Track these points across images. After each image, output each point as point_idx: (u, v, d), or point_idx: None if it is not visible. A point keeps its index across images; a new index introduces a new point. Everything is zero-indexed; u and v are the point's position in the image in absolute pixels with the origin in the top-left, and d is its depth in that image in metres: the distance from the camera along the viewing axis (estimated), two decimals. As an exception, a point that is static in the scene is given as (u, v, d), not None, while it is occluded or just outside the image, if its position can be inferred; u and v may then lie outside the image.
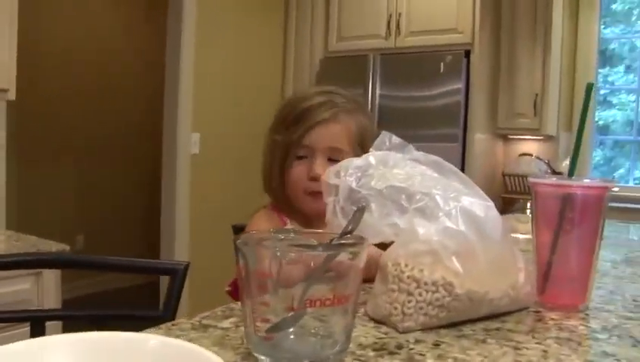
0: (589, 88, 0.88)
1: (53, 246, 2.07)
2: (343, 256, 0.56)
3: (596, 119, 4.52)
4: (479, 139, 3.87)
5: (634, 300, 0.94)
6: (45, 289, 1.99)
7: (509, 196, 4.13)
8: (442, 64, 3.73)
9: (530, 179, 0.86)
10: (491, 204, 0.79)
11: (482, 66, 3.84)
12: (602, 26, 4.48)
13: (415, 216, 0.73)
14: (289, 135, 1.31)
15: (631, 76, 4.47)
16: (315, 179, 1.26)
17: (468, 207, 0.74)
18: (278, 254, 0.55)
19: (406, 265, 0.72)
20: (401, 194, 0.75)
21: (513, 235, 1.87)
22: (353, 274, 0.58)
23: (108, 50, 5.10)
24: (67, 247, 2.10)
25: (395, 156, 0.87)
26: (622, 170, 4.50)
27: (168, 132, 3.93)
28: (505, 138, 4.41)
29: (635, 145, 4.46)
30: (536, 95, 3.96)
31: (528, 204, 3.66)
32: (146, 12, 5.25)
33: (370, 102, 3.98)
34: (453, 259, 0.71)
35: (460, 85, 3.72)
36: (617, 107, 4.52)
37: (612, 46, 4.53)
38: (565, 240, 0.83)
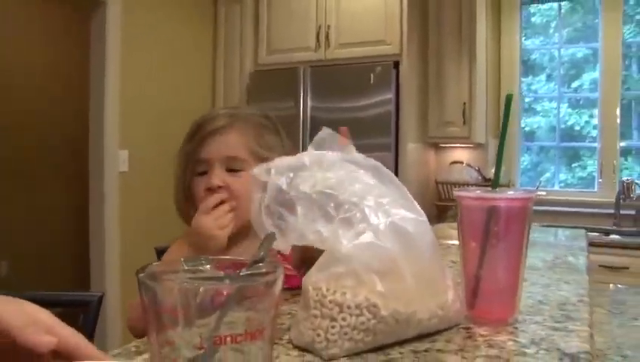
0: (509, 99, 0.87)
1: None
2: (256, 285, 0.52)
3: (522, 125, 4.63)
4: (411, 148, 3.90)
5: (560, 309, 0.93)
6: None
7: (442, 203, 4.18)
8: (372, 75, 3.75)
9: (456, 193, 0.84)
10: (424, 218, 0.77)
11: (411, 77, 3.88)
12: (524, 38, 4.61)
13: (341, 226, 0.69)
14: (188, 148, 1.28)
15: (552, 84, 4.61)
16: (212, 190, 1.22)
17: (397, 221, 0.71)
18: (184, 288, 0.50)
19: (327, 289, 0.69)
20: (330, 201, 0.71)
21: (446, 242, 1.88)
22: (268, 304, 0.54)
23: (30, 64, 4.92)
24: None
25: (331, 157, 0.82)
26: (548, 174, 4.62)
27: (95, 149, 3.80)
28: (436, 146, 4.47)
29: (559, 150, 4.59)
30: (465, 104, 4.03)
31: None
32: (68, 24, 5.09)
33: (301, 114, 3.97)
34: (376, 279, 0.68)
35: (390, 95, 3.75)
36: (541, 114, 4.65)
37: (534, 56, 4.67)
38: (492, 254, 0.82)
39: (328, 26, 4.01)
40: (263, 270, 0.54)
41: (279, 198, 0.72)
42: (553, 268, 1.33)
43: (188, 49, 4.34)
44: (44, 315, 0.57)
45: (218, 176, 1.23)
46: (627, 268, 3.47)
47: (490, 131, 4.43)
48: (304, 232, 0.70)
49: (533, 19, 4.68)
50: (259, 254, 0.56)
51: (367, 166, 0.81)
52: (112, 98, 3.77)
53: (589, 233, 3.93)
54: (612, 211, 4.11)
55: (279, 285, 0.55)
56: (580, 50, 4.53)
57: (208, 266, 0.61)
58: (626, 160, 4.43)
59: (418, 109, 4.05)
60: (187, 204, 1.30)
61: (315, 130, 4.11)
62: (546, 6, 4.61)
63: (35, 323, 0.55)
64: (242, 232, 1.25)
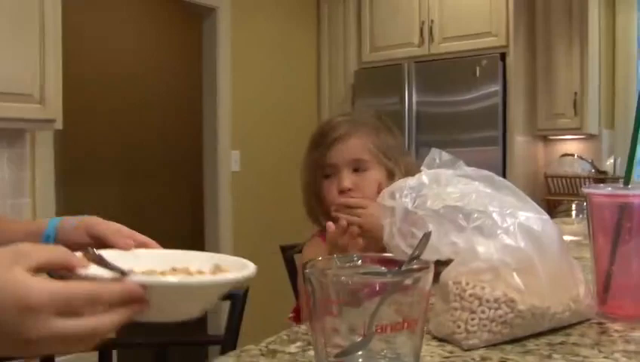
0: (642, 95, 0.87)
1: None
2: (410, 281, 0.58)
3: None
4: (519, 141, 3.84)
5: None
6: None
7: (552, 198, 4.07)
8: (478, 68, 3.72)
9: (585, 190, 0.85)
10: (547, 217, 0.80)
11: (518, 68, 3.81)
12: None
13: (474, 234, 0.74)
14: (314, 155, 1.42)
15: None
16: (344, 191, 1.35)
17: (525, 222, 0.75)
18: (354, 281, 0.56)
19: (467, 283, 0.73)
20: (458, 213, 0.76)
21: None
22: (419, 298, 0.59)
23: (146, 72, 5.21)
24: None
25: (446, 173, 0.88)
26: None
27: (209, 150, 3.99)
28: (545, 139, 4.35)
29: None
30: (575, 94, 3.91)
31: (573, 206, 3.62)
32: (181, 31, 5.34)
33: (407, 109, 3.99)
34: (514, 275, 0.71)
35: (497, 88, 3.71)
36: None
37: None
38: (624, 250, 0.83)
39: (432, 21, 4.01)
40: (418, 266, 0.59)
41: (409, 219, 0.78)
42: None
43: (293, 49, 4.45)
44: None
45: (348, 178, 1.36)
46: None
47: (603, 121, 4.27)
48: (438, 246, 0.75)
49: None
50: (415, 252, 0.61)
51: (480, 177, 0.86)
52: (224, 100, 3.93)
53: None
54: None
55: (430, 280, 0.60)
56: None
57: (360, 262, 0.67)
58: None
59: (526, 101, 3.97)
60: (318, 206, 1.42)
61: (420, 124, 4.11)
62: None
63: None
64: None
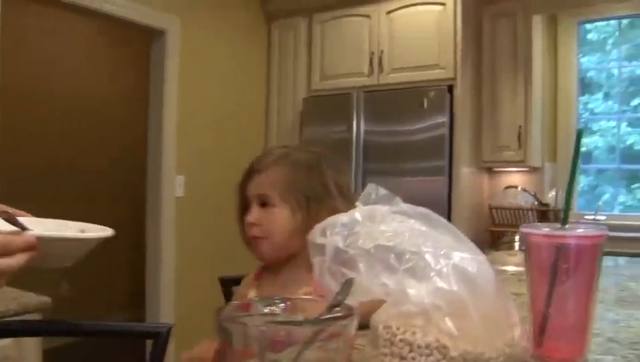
0: (580, 135, 0.87)
1: (33, 299, 2.01)
2: (333, 329, 0.53)
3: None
4: (465, 172, 3.87)
5: (632, 349, 0.91)
6: (26, 344, 1.94)
7: (496, 229, 4.11)
8: (425, 99, 3.75)
9: (523, 229, 0.83)
10: (483, 258, 0.77)
11: (465, 101, 3.86)
12: (580, 55, 4.54)
13: (405, 276, 0.70)
14: (240, 189, 1.43)
15: (609, 103, 4.51)
16: (248, 224, 1.38)
17: (459, 263, 0.72)
18: (262, 332, 0.52)
19: (398, 328, 0.70)
20: (390, 253, 0.72)
21: (503, 268, 1.85)
22: (341, 345, 0.55)
23: (93, 92, 5.11)
24: (49, 299, 2.05)
25: (381, 210, 0.84)
26: (607, 195, 4.51)
27: (153, 174, 3.90)
28: (490, 171, 4.41)
29: (619, 172, 4.48)
30: (520, 127, 3.98)
31: (516, 237, 3.66)
32: (130, 53, 5.25)
33: (355, 138, 3.98)
34: (447, 320, 0.68)
35: (444, 119, 3.73)
36: (599, 133, 4.55)
37: (590, 74, 4.58)
38: (561, 291, 0.81)
39: (381, 51, 4.04)
40: (340, 314, 0.55)
41: (339, 258, 0.74)
42: (620, 301, 1.30)
43: (243, 75, 4.42)
44: None
45: (253, 213, 1.38)
46: (693, 296, 3.34)
47: (546, 154, 4.36)
48: (370, 287, 0.71)
49: (589, 36, 4.60)
50: (337, 299, 0.57)
51: (416, 214, 0.83)
52: (169, 124, 3.86)
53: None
54: (677, 237, 3.98)
55: (354, 327, 0.56)
56: (640, 67, 4.42)
57: (282, 305, 0.63)
58: None
59: (472, 133, 4.02)
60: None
61: (368, 153, 4.13)
62: (603, 22, 4.53)
63: None
64: (282, 263, 1.38)
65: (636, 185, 4.43)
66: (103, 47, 5.25)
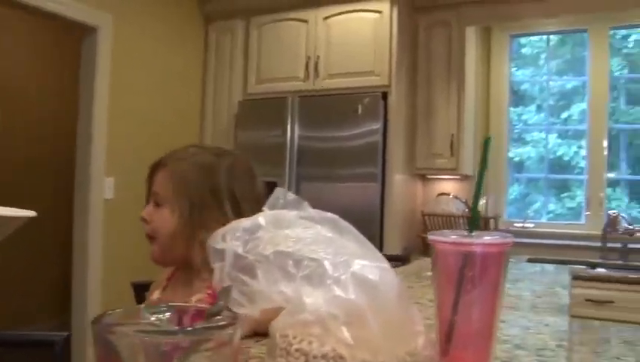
0: (487, 143, 0.86)
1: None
2: (211, 338, 0.51)
3: (512, 156, 4.66)
4: (398, 179, 3.90)
5: (537, 355, 0.92)
6: None
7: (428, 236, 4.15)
8: (360, 106, 3.76)
9: (430, 237, 0.82)
10: (387, 265, 0.75)
11: (399, 108, 3.89)
12: (514, 68, 4.66)
13: (302, 284, 0.68)
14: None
15: (542, 115, 4.65)
16: (141, 221, 1.40)
17: (359, 271, 0.70)
18: (131, 343, 0.48)
19: (294, 337, 0.67)
20: (289, 259, 0.70)
21: (429, 274, 1.86)
22: (225, 355, 0.52)
23: (21, 88, 4.92)
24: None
25: (287, 215, 0.82)
26: (538, 204, 4.64)
27: (81, 175, 3.78)
28: (424, 178, 4.47)
29: (548, 181, 4.61)
30: (452, 135, 4.04)
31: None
32: (60, 49, 5.09)
33: (289, 143, 3.96)
34: (344, 329, 0.66)
35: (377, 126, 3.76)
36: (531, 144, 4.68)
37: (524, 87, 4.71)
38: (467, 299, 0.80)
39: (318, 57, 4.04)
40: (220, 322, 0.52)
41: (238, 264, 0.71)
42: (534, 308, 1.31)
43: (178, 77, 4.35)
44: None
45: (146, 209, 1.39)
46: (612, 301, 3.45)
47: (477, 163, 4.44)
48: (269, 295, 0.69)
49: (523, 50, 4.73)
50: (216, 307, 0.54)
51: (323, 220, 0.81)
52: (99, 125, 3.76)
53: (576, 266, 3.95)
54: (599, 244, 4.11)
55: (237, 336, 0.53)
56: (570, 82, 4.57)
57: (169, 314, 0.59)
58: (614, 191, 4.46)
59: (406, 141, 4.06)
60: None
61: (302, 158, 4.12)
62: (536, 37, 4.66)
63: None
64: (180, 266, 1.39)
65: (565, 194, 4.56)
66: (33, 43, 5.07)
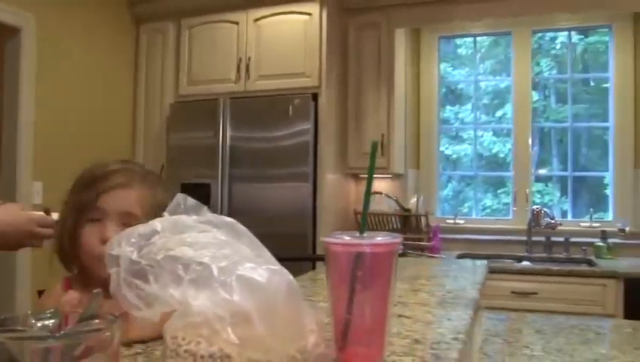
0: (374, 147, 0.91)
1: None
2: (87, 342, 0.53)
3: (450, 153, 4.79)
4: (330, 178, 3.95)
5: (432, 349, 0.96)
6: None
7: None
8: (291, 107, 3.80)
9: (323, 239, 0.86)
10: (277, 268, 0.78)
11: (329, 109, 3.94)
12: (451, 68, 4.80)
13: (189, 287, 0.70)
14: (83, 197, 1.32)
15: (477, 113, 4.80)
16: (106, 242, 1.24)
17: (246, 274, 0.73)
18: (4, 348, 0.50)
19: (183, 339, 0.70)
20: (178, 264, 0.72)
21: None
22: (104, 359, 0.54)
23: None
24: None
25: (185, 220, 0.84)
26: (472, 201, 4.77)
27: (8, 180, 3.69)
28: (357, 177, 4.54)
29: (483, 177, 4.77)
30: (383, 135, 4.12)
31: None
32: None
33: (221, 144, 3.96)
34: (229, 329, 0.69)
35: (308, 126, 3.80)
36: (467, 142, 4.81)
37: (461, 86, 4.84)
38: (359, 298, 0.84)
39: (249, 58, 4.05)
40: (94, 327, 0.54)
41: (132, 269, 0.73)
42: (442, 303, 1.36)
43: (108, 78, 4.29)
44: None
45: (114, 231, 1.26)
46: (536, 293, 3.59)
47: (409, 162, 4.54)
48: (164, 298, 0.71)
49: (459, 50, 4.86)
50: (87, 312, 0.56)
51: (221, 224, 0.84)
52: (25, 128, 3.67)
53: (504, 260, 4.09)
54: (525, 238, 4.26)
55: (116, 339, 0.55)
56: (503, 81, 4.72)
57: (52, 321, 0.61)
58: (547, 186, 4.63)
59: (337, 141, 4.12)
60: (71, 249, 1.33)
61: (234, 159, 4.13)
62: (470, 39, 4.80)
63: None
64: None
65: (502, 190, 4.71)
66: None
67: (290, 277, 0.81)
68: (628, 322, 2.45)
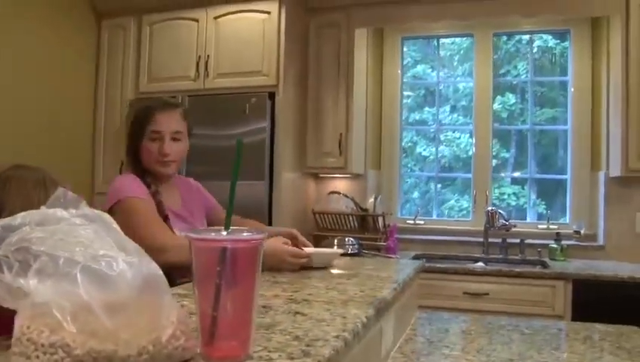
0: (239, 144, 0.94)
1: None
2: None
3: (427, 154, 4.83)
4: (287, 177, 3.98)
5: (309, 345, 0.97)
6: None
7: (320, 233, 4.24)
8: (248, 105, 3.82)
9: (188, 235, 0.88)
10: (134, 260, 0.81)
11: (287, 108, 3.97)
12: (430, 70, 4.84)
13: (34, 277, 0.73)
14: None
15: (455, 115, 4.83)
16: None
17: (94, 266, 0.75)
18: None
19: (28, 327, 0.72)
20: (28, 255, 0.75)
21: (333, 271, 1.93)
22: None
23: None
24: None
25: (56, 213, 0.87)
26: (452, 202, 4.82)
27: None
28: (316, 176, 4.57)
29: (460, 180, 4.82)
30: (341, 135, 4.15)
31: (335, 241, 3.80)
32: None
33: (179, 142, 3.97)
34: (69, 319, 0.71)
35: (265, 124, 3.82)
36: (445, 143, 4.86)
37: (440, 87, 4.88)
38: (224, 295, 0.86)
39: (208, 56, 4.06)
40: None
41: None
42: (349, 301, 1.38)
43: (68, 75, 4.27)
44: None
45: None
46: (487, 294, 3.64)
47: (369, 162, 4.58)
48: (15, 288, 0.74)
49: (441, 52, 4.90)
50: None
51: (96, 218, 0.89)
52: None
53: (459, 261, 4.14)
54: (482, 239, 4.31)
55: None
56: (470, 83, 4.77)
57: None
58: (523, 188, 4.69)
59: (296, 140, 4.14)
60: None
61: (191, 156, 4.17)
62: (449, 40, 4.85)
63: None
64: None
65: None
66: None
67: (154, 270, 0.84)
68: (564, 323, 2.50)
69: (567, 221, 4.46)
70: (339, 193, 4.33)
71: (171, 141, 2.11)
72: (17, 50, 3.87)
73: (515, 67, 4.75)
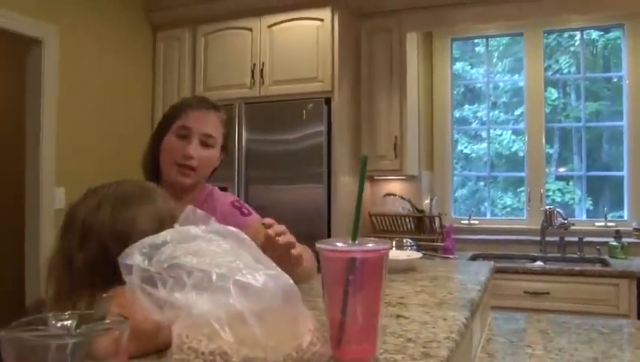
0: (364, 161, 0.98)
1: None
2: (94, 341, 0.60)
3: (468, 152, 4.83)
4: (344, 180, 4.01)
5: (424, 347, 1.02)
6: None
7: (376, 235, 4.27)
8: (304, 111, 3.87)
9: (317, 245, 0.93)
10: (274, 272, 0.86)
11: (342, 112, 4.00)
12: (469, 67, 4.83)
13: (191, 291, 0.78)
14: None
15: (496, 112, 4.82)
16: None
17: (242, 279, 0.80)
18: (17, 344, 0.57)
19: (187, 336, 0.78)
20: (182, 271, 0.80)
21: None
22: (113, 357, 0.62)
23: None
24: None
25: (192, 231, 0.93)
26: (488, 202, 4.81)
27: (31, 186, 3.80)
28: (371, 179, 4.60)
29: (504, 177, 4.80)
30: (396, 138, 4.17)
31: (393, 243, 3.83)
32: (4, 61, 5.08)
33: (237, 147, 4.05)
34: (226, 329, 0.77)
35: (322, 128, 3.87)
36: (486, 141, 4.84)
37: (479, 85, 4.87)
38: (352, 301, 0.91)
39: (263, 64, 4.13)
40: (105, 327, 0.62)
41: (143, 276, 0.82)
42: (441, 304, 1.42)
43: (127, 86, 4.39)
44: None
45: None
46: (548, 293, 3.62)
47: (423, 163, 4.59)
48: (170, 302, 0.80)
49: (477, 49, 4.89)
50: (98, 313, 0.64)
51: (227, 233, 0.93)
52: (48, 135, 3.78)
53: (518, 260, 4.12)
54: (539, 238, 4.29)
55: (123, 339, 0.63)
56: (519, 80, 4.74)
57: (69, 322, 0.69)
58: (568, 185, 4.65)
59: (350, 143, 4.18)
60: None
61: (250, 161, 4.23)
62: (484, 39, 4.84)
63: None
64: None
65: (521, 188, 4.73)
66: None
67: (289, 281, 0.89)
68: (634, 322, 2.49)
69: (625, 218, 4.40)
70: (395, 195, 4.35)
71: (199, 145, 1.75)
72: (81, 64, 3.99)
73: (557, 61, 4.70)
